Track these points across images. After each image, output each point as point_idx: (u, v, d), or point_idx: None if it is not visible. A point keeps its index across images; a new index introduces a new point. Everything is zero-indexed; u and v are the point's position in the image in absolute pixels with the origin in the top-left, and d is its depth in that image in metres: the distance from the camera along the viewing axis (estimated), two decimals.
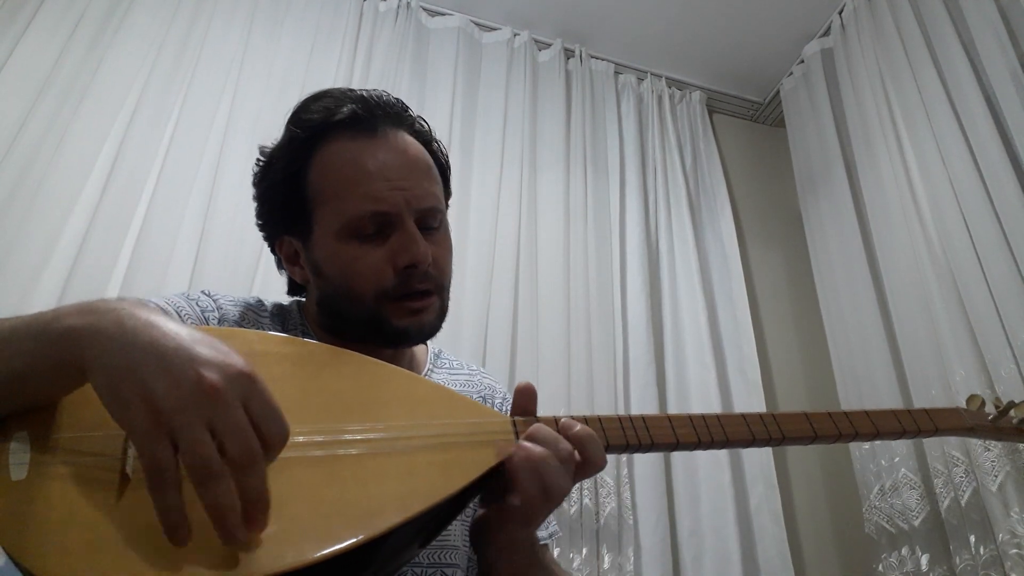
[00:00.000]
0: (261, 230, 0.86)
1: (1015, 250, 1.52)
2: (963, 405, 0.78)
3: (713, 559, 1.70)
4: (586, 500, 1.64)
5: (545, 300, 1.89)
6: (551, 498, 0.60)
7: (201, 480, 0.42)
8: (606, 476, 1.70)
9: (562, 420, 0.65)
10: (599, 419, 0.66)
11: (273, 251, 0.86)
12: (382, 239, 0.75)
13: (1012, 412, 0.76)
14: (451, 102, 2.07)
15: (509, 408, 0.96)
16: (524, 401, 0.67)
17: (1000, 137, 1.62)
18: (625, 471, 1.73)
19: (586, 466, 0.62)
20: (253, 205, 0.86)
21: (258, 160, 0.85)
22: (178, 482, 0.42)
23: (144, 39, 1.83)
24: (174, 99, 1.79)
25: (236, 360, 0.46)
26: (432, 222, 0.79)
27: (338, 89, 0.83)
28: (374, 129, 0.78)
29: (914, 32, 1.90)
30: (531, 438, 0.61)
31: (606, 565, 1.61)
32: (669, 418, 0.67)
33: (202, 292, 0.82)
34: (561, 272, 1.95)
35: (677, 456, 1.84)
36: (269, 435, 0.45)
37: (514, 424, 0.63)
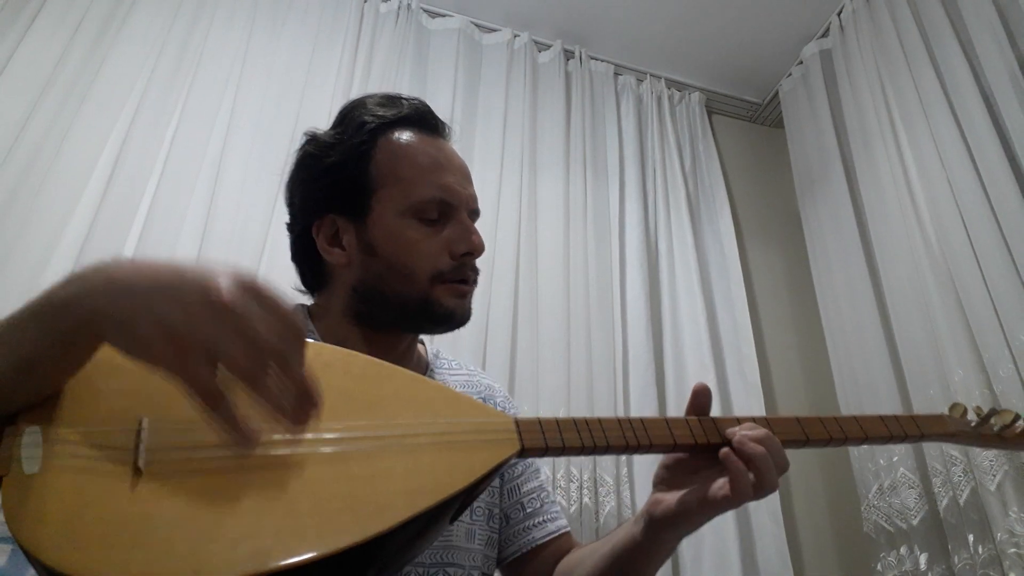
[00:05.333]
0: (300, 210, 0.87)
1: (1013, 250, 1.53)
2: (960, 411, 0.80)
3: (712, 558, 1.71)
4: (586, 499, 1.64)
5: (545, 300, 1.90)
6: (759, 496, 0.62)
7: (252, 381, 0.45)
8: (605, 475, 1.71)
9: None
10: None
11: (302, 234, 0.86)
12: (439, 227, 0.82)
13: (993, 419, 0.77)
14: (451, 103, 2.08)
15: (512, 408, 0.97)
16: (704, 400, 0.71)
17: (999, 138, 1.62)
18: (625, 470, 1.73)
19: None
20: (270, 189, 0.88)
21: (309, 142, 0.87)
22: (227, 391, 0.45)
23: (146, 40, 1.83)
24: (176, 99, 1.79)
25: (232, 269, 0.47)
26: (474, 222, 0.87)
27: (395, 92, 0.91)
28: (436, 130, 0.87)
29: (912, 33, 1.91)
30: (757, 440, 0.64)
31: None
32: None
33: None
34: (561, 272, 1.95)
35: None
36: (293, 327, 0.47)
37: (516, 424, 0.63)
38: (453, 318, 0.82)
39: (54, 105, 1.64)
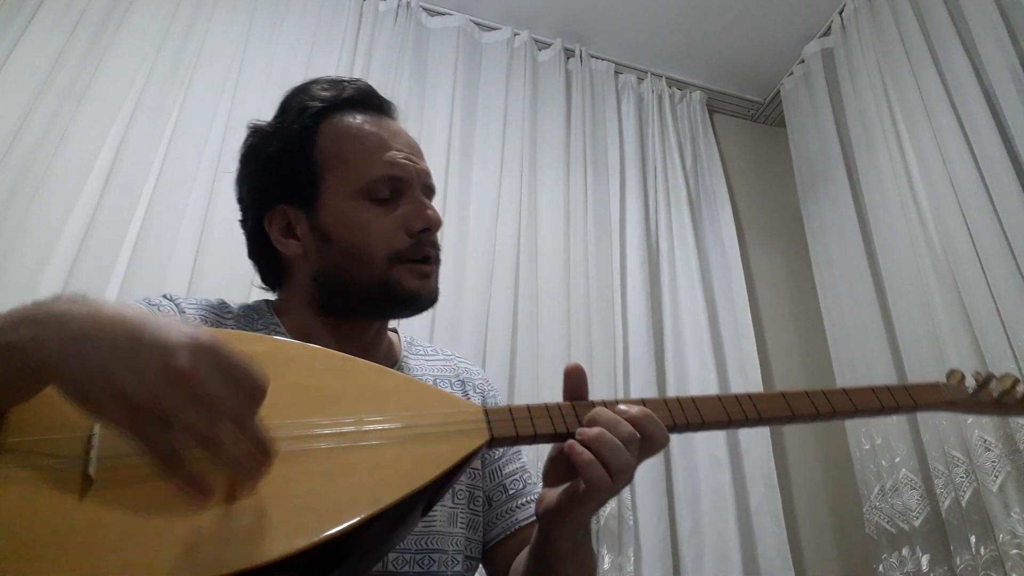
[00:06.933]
0: (250, 205, 0.87)
1: (1015, 249, 1.52)
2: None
3: (713, 559, 1.70)
4: None
5: (545, 300, 1.89)
6: (616, 478, 0.60)
7: (206, 444, 0.44)
8: None
9: (619, 403, 0.66)
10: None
11: (256, 229, 0.85)
12: (392, 205, 0.80)
13: (992, 384, 0.74)
14: (451, 102, 2.07)
15: (492, 390, 0.95)
16: (578, 381, 0.68)
17: (1000, 136, 1.62)
18: None
19: (649, 443, 0.63)
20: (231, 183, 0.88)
21: (252, 134, 0.86)
22: (183, 453, 0.44)
23: (144, 38, 1.82)
24: (174, 99, 1.78)
25: (190, 332, 0.45)
26: (429, 198, 0.84)
27: (335, 76, 0.89)
28: (381, 108, 0.86)
29: (914, 32, 1.90)
30: (592, 422, 0.62)
31: (606, 566, 1.61)
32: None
33: (164, 297, 0.82)
34: (561, 272, 1.94)
35: (677, 456, 1.84)
36: (250, 387, 0.46)
37: (486, 414, 0.63)
38: (418, 299, 0.80)
39: (51, 105, 1.64)
